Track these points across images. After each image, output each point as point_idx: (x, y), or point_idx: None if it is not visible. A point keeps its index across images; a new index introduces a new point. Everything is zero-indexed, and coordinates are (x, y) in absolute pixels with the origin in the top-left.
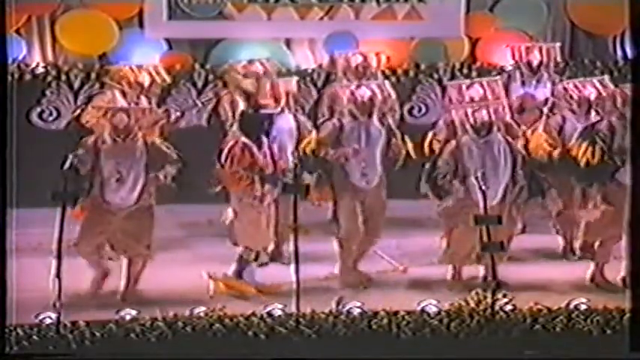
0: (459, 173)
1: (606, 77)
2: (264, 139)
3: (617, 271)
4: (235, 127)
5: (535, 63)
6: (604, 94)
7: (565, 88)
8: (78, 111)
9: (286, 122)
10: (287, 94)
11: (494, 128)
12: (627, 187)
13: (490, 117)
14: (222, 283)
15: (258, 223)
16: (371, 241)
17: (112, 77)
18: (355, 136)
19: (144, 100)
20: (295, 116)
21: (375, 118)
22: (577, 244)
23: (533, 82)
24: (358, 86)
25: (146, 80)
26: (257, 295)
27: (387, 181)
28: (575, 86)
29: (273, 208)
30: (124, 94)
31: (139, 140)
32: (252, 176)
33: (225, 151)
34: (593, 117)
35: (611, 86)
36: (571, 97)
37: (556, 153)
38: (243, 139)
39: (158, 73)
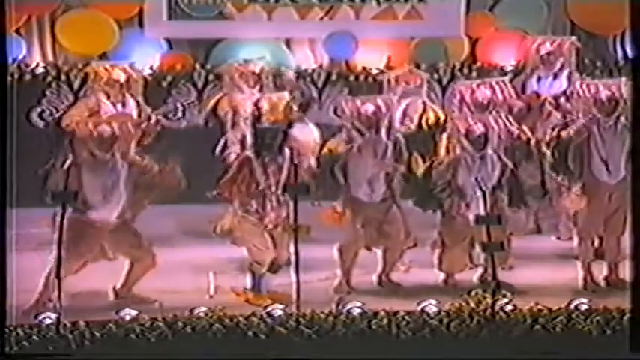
0: (454, 186)
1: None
2: (270, 154)
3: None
4: (239, 137)
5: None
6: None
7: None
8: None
9: (296, 134)
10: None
11: (490, 142)
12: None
13: (487, 130)
14: (243, 298)
15: (259, 237)
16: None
17: (93, 78)
18: (363, 151)
19: (130, 99)
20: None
21: (383, 133)
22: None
23: (549, 78)
24: (364, 101)
25: (122, 77)
26: (271, 303)
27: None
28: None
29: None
30: (107, 94)
31: (117, 155)
32: (251, 191)
33: (231, 161)
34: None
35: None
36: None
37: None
38: (248, 153)
39: (133, 69)
